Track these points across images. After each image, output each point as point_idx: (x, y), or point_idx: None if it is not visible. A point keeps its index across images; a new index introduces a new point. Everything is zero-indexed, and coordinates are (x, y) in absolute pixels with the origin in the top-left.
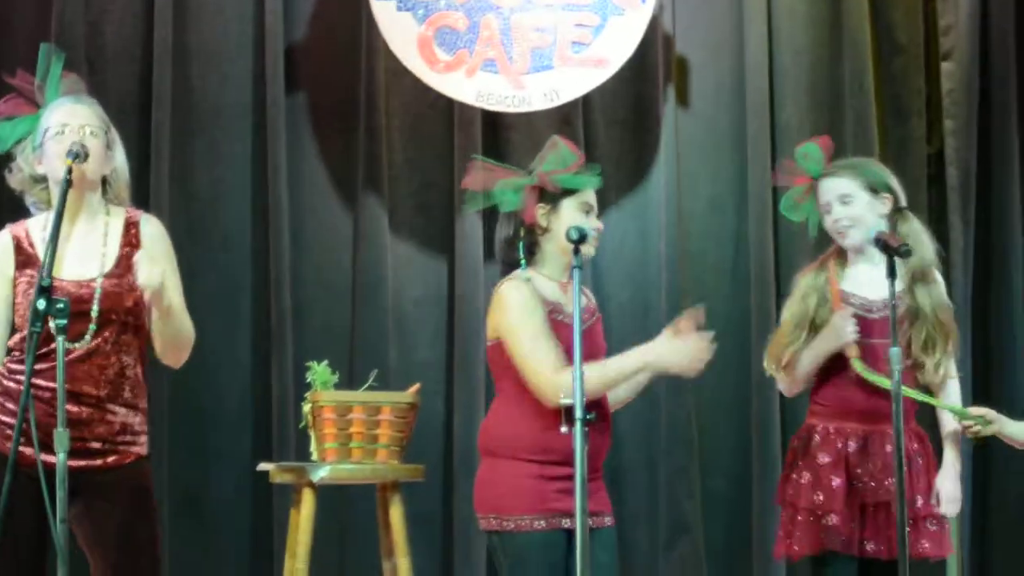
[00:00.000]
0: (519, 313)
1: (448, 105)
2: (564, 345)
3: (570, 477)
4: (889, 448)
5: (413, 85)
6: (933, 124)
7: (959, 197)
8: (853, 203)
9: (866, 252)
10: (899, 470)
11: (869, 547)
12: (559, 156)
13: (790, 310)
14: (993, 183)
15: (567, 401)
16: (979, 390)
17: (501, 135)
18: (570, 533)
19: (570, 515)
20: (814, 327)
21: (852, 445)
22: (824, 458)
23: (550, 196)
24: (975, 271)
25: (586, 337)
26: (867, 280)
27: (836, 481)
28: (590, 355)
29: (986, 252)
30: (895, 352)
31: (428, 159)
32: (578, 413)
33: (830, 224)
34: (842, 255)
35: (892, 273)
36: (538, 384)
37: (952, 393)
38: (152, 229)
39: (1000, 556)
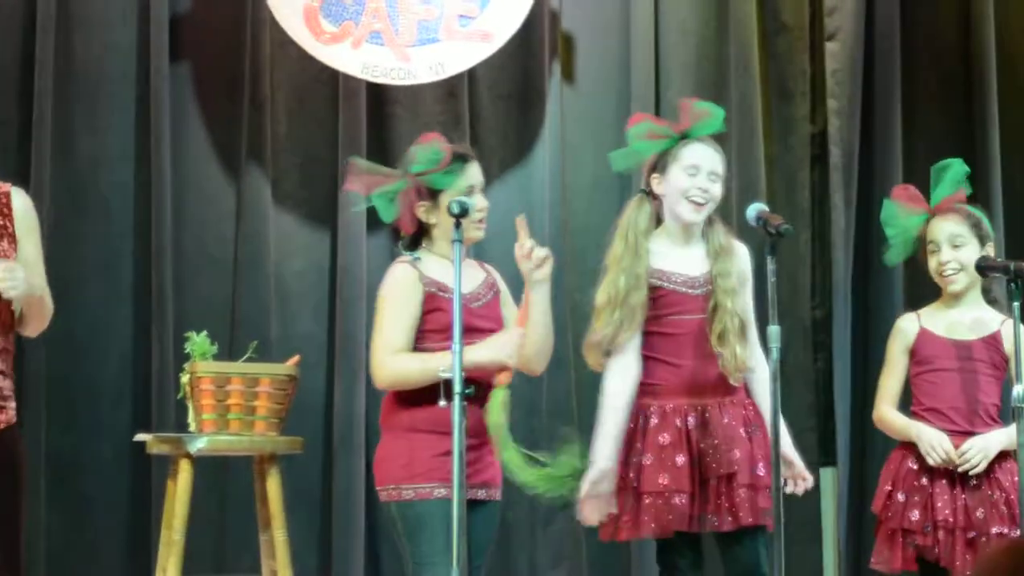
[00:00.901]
0: (390, 292)
1: (333, 77)
2: (444, 322)
3: (466, 448)
4: (727, 420)
5: (298, 56)
6: (817, 104)
7: (841, 177)
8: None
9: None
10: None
11: (712, 521)
12: (427, 155)
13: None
14: (875, 163)
15: (445, 375)
16: (858, 369)
17: (386, 108)
18: (469, 502)
19: (467, 485)
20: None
21: (692, 420)
22: (664, 438)
23: (428, 193)
24: (856, 251)
25: (485, 312)
26: (685, 258)
27: (680, 459)
28: (489, 330)
29: (867, 232)
30: (774, 330)
31: (312, 131)
32: (457, 388)
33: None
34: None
35: (772, 251)
36: (371, 361)
37: (761, 380)
38: (21, 202)
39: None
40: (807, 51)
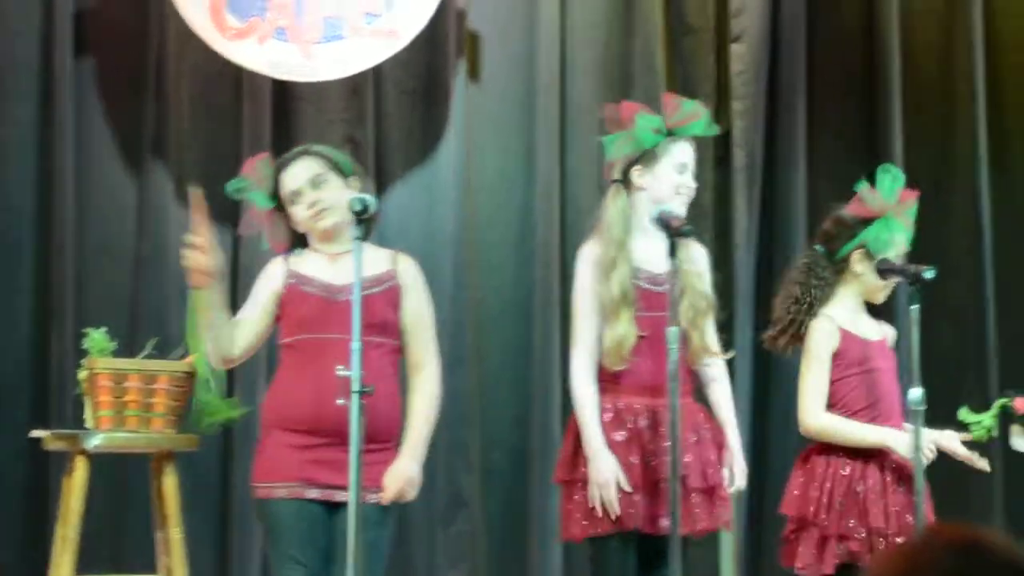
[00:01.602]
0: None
1: (238, 72)
2: (301, 314)
3: (321, 447)
4: (683, 425)
5: (203, 51)
6: (721, 105)
7: (745, 179)
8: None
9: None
10: (673, 448)
11: (663, 524)
12: (236, 185)
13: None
14: (778, 165)
15: (344, 373)
16: (760, 372)
17: (291, 104)
18: (328, 505)
19: (319, 486)
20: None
21: (643, 422)
22: (618, 436)
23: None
24: (759, 252)
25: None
26: (654, 254)
27: (633, 458)
28: (366, 325)
29: (770, 234)
30: (673, 332)
31: (216, 128)
32: (354, 386)
33: None
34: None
35: (673, 252)
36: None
37: (715, 379)
38: None
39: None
40: (712, 52)
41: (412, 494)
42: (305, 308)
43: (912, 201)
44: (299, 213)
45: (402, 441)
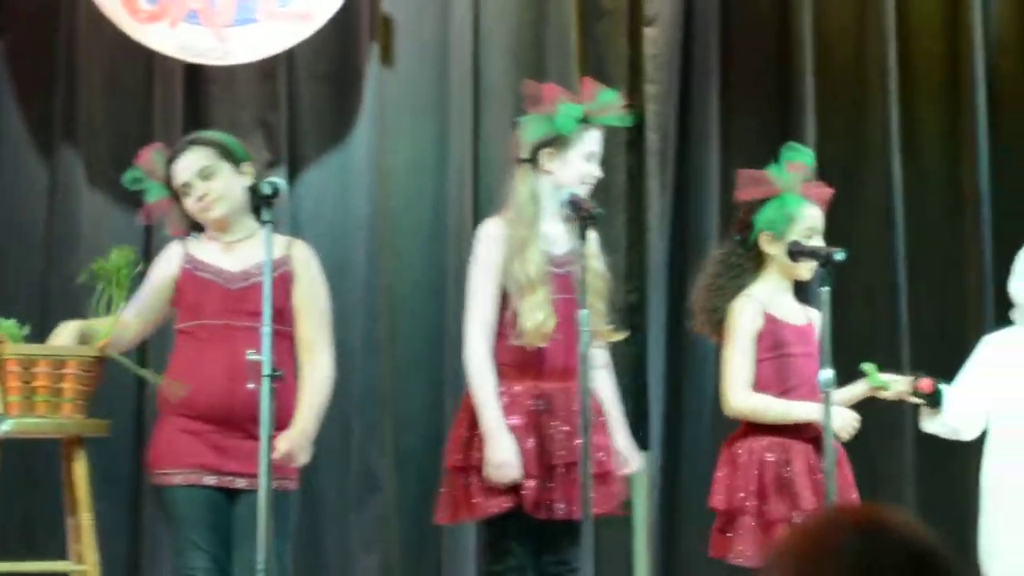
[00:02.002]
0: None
1: (149, 55)
2: (196, 300)
3: (217, 433)
4: (574, 407)
5: (113, 33)
6: (634, 88)
7: (658, 162)
8: None
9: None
10: (585, 431)
11: (559, 509)
12: (148, 172)
13: None
14: (691, 148)
15: (255, 357)
16: (673, 353)
17: (202, 88)
18: (227, 491)
19: (217, 473)
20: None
21: (540, 406)
22: (515, 420)
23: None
24: (672, 236)
25: (247, 294)
26: (557, 237)
27: (530, 443)
28: (249, 312)
29: (683, 217)
30: (584, 314)
31: (127, 111)
32: (265, 370)
33: None
34: None
35: (583, 235)
36: None
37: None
38: None
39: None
40: (626, 36)
41: (303, 459)
42: (200, 294)
43: (800, 171)
44: (189, 205)
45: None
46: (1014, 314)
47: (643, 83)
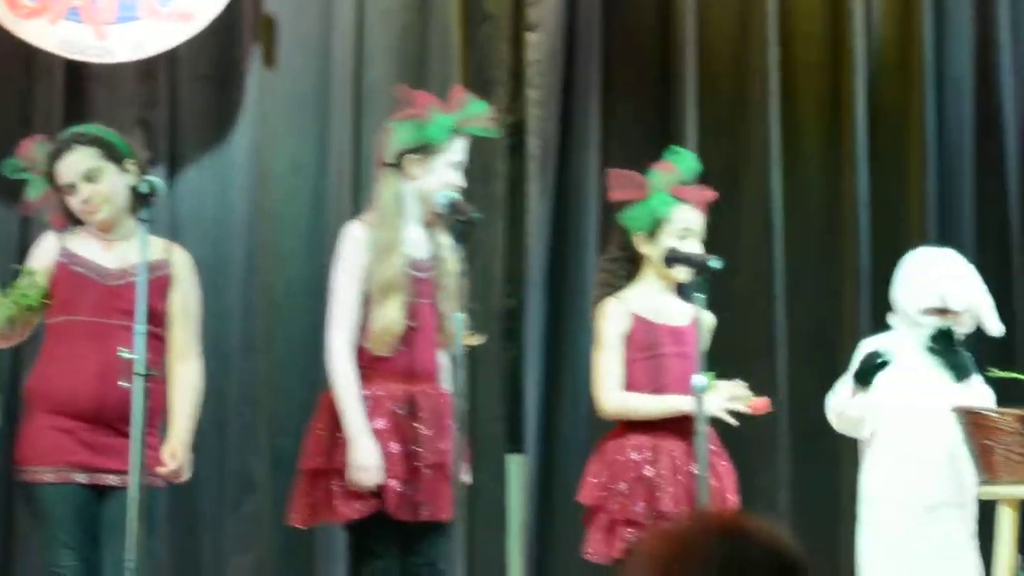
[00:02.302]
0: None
1: (29, 53)
2: (70, 295)
3: (87, 430)
4: (435, 408)
5: None
6: (516, 93)
7: (538, 166)
8: None
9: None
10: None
11: (423, 510)
12: (30, 163)
13: None
14: (572, 154)
15: (128, 355)
16: (550, 358)
17: (83, 85)
18: (96, 488)
19: (88, 470)
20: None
21: (402, 409)
22: (378, 423)
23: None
24: (551, 240)
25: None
26: (419, 242)
27: (394, 447)
28: (123, 311)
29: (563, 223)
30: (458, 318)
31: (6, 106)
32: (138, 368)
33: None
34: None
35: (461, 239)
36: None
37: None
38: None
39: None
40: (508, 41)
41: (187, 472)
42: (74, 289)
43: (667, 172)
44: (74, 205)
45: (168, 428)
46: (891, 319)
47: (525, 88)
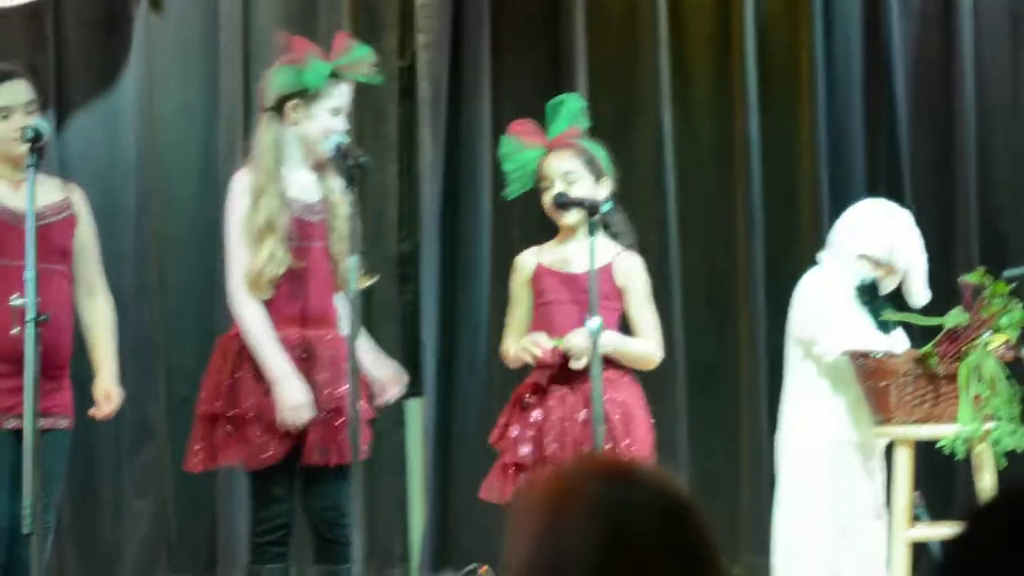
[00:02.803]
0: None
1: None
2: None
3: (9, 375)
4: (331, 354)
5: None
6: (405, 37)
7: (430, 110)
8: None
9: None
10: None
11: (316, 456)
12: None
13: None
14: (464, 97)
15: (18, 302)
16: (446, 301)
17: None
18: (16, 433)
19: (11, 415)
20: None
21: (299, 353)
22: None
23: None
24: (444, 184)
25: (48, 232)
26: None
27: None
28: (44, 254)
29: (456, 166)
30: (352, 260)
31: None
32: (29, 314)
33: None
34: None
35: (351, 182)
36: None
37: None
38: None
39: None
40: None
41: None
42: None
43: (520, 127)
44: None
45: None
46: (822, 256)
47: (415, 32)
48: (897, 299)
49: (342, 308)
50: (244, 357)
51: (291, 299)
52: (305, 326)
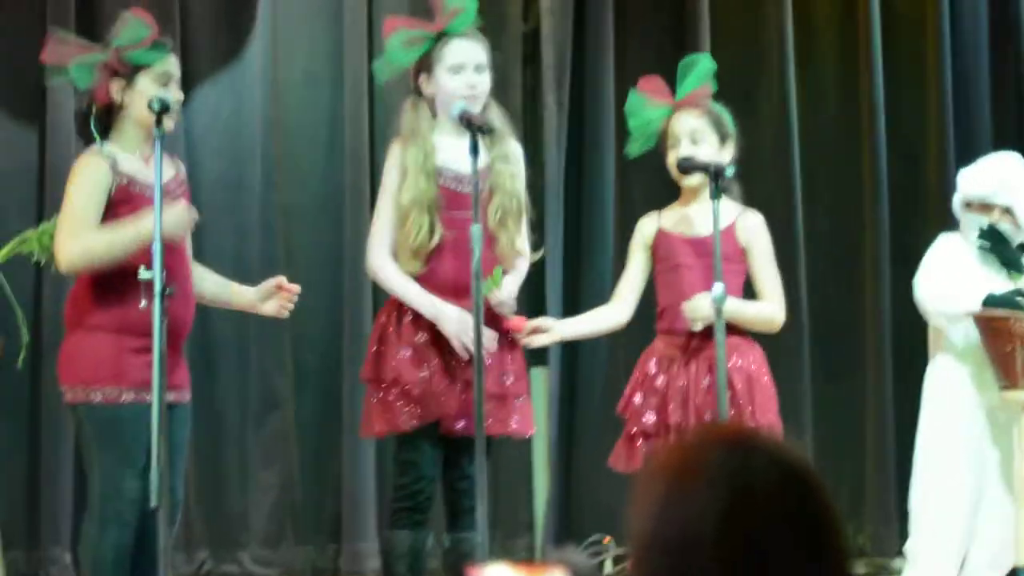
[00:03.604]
0: (78, 181)
1: None
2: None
3: (144, 350)
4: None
5: None
6: (530, 2)
7: (554, 76)
8: None
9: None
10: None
11: (459, 425)
12: (131, 31)
13: None
14: (587, 64)
15: (146, 275)
16: (569, 270)
17: (95, 3)
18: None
19: (147, 389)
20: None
21: None
22: (421, 338)
23: (125, 71)
24: (568, 151)
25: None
26: (461, 154)
27: (436, 360)
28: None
29: (579, 133)
30: (476, 229)
31: (19, 26)
32: (157, 287)
33: None
34: None
35: (475, 150)
36: (56, 246)
37: (521, 269)
38: None
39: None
40: None
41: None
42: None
43: (651, 84)
44: (160, 93)
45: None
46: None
47: None
48: None
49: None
50: (388, 325)
51: (442, 270)
52: (455, 295)
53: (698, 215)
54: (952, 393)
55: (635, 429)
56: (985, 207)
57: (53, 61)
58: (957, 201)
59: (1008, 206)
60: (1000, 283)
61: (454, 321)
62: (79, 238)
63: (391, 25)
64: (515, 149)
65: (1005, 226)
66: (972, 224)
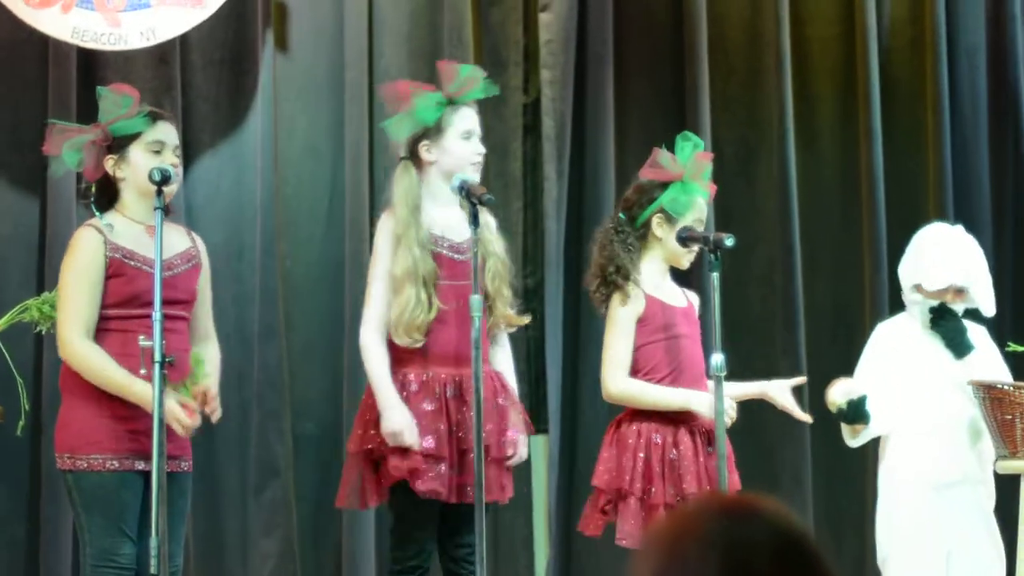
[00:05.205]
0: (69, 261)
1: (43, 40)
2: (138, 290)
3: (144, 418)
4: (485, 393)
5: (6, 18)
6: (530, 74)
7: (554, 147)
8: None
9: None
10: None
11: (469, 492)
12: (110, 104)
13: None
14: (587, 134)
15: (147, 343)
16: (569, 337)
17: (97, 73)
18: (145, 475)
19: (144, 457)
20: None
21: (450, 391)
22: (427, 406)
23: (116, 146)
24: (568, 222)
25: (176, 283)
26: (455, 223)
27: (442, 428)
28: (175, 301)
29: (579, 203)
30: (475, 300)
31: (21, 95)
32: (157, 356)
33: None
34: None
35: (475, 221)
36: (58, 332)
37: (503, 348)
38: None
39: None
40: (521, 21)
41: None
42: (129, 285)
43: (707, 163)
44: (152, 162)
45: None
46: (904, 297)
47: (538, 69)
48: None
49: (500, 340)
50: (408, 394)
51: (444, 339)
52: (459, 365)
53: (672, 286)
54: (908, 464)
55: (657, 503)
56: (923, 290)
57: (52, 151)
58: (908, 286)
59: (964, 287)
60: (945, 363)
61: (396, 424)
62: (84, 352)
63: (407, 88)
64: (490, 216)
65: (958, 306)
66: (923, 305)
